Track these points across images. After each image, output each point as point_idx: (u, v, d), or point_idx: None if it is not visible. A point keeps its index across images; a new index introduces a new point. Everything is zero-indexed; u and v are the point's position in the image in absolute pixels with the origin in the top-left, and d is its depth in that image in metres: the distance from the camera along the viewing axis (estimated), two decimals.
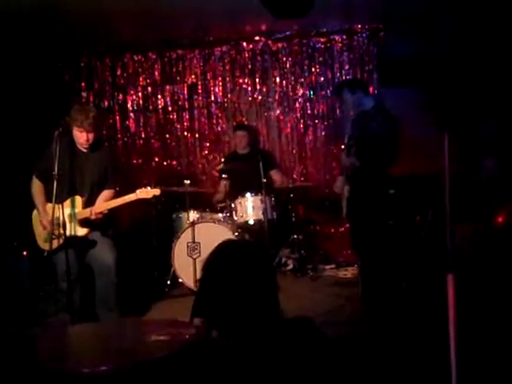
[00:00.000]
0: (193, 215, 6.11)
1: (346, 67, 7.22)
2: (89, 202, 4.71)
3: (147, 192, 4.76)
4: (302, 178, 7.33)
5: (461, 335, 2.62)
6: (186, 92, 7.52)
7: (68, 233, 4.44)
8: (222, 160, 6.93)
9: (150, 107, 7.57)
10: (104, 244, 4.76)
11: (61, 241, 4.50)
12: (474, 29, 6.18)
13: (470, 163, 5.44)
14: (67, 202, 4.60)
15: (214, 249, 2.08)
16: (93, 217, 4.64)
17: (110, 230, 4.91)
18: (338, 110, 7.24)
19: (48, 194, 4.67)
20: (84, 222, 4.68)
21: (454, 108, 5.47)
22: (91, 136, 4.66)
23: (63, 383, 2.42)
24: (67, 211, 4.54)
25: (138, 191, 4.74)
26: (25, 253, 5.89)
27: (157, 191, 4.80)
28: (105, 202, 4.74)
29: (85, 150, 4.75)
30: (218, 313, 1.96)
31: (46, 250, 4.60)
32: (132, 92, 7.57)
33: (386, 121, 5.01)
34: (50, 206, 4.60)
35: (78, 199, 4.67)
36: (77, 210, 4.66)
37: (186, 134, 7.56)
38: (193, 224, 5.86)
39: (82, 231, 4.69)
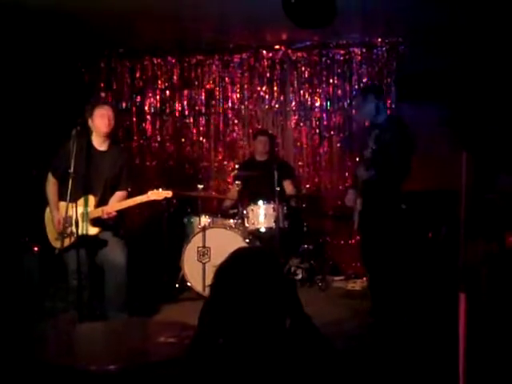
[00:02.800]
0: (204, 220, 6.10)
1: (365, 80, 7.22)
2: (101, 202, 4.73)
3: (159, 194, 4.77)
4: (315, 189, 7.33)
5: (470, 354, 2.61)
6: (203, 97, 7.54)
7: (80, 231, 4.47)
8: (237, 166, 6.94)
9: (167, 111, 7.60)
10: (115, 244, 4.78)
11: (72, 239, 4.54)
12: (494, 44, 6.18)
13: (485, 180, 5.41)
14: (80, 201, 4.62)
15: (228, 256, 2.08)
16: (104, 216, 4.66)
17: (122, 231, 4.93)
18: (353, 123, 7.25)
19: (61, 192, 4.71)
20: (95, 222, 4.71)
21: (473, 126, 5.46)
22: (112, 121, 4.71)
23: (71, 380, 2.44)
24: (80, 210, 4.57)
25: (149, 193, 4.76)
26: (35, 249, 5.91)
27: (168, 193, 4.81)
28: (117, 202, 4.77)
29: (101, 149, 4.79)
30: (226, 320, 1.96)
31: (56, 248, 4.63)
32: (150, 95, 7.60)
33: (400, 134, 4.96)
34: (62, 204, 4.65)
35: (91, 198, 4.70)
36: (89, 209, 4.68)
37: (201, 138, 7.58)
38: (204, 229, 5.87)
39: (93, 230, 4.71)
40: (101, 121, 4.69)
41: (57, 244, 4.63)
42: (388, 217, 4.98)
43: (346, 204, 5.40)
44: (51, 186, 4.83)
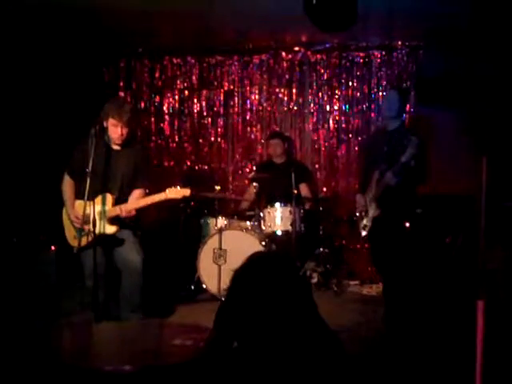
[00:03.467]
0: (221, 222, 6.09)
1: (384, 83, 7.19)
2: (119, 200, 4.72)
3: (177, 192, 4.72)
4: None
5: (487, 361, 2.58)
6: (222, 98, 7.56)
7: (97, 230, 4.47)
8: (254, 168, 6.93)
9: (186, 111, 7.61)
10: (132, 244, 4.78)
11: (90, 238, 4.54)
12: None
13: (504, 187, 5.37)
14: (98, 200, 4.60)
15: (244, 260, 2.08)
16: (123, 215, 4.65)
17: (139, 231, 4.93)
18: (372, 126, 7.22)
19: (78, 190, 4.72)
20: (113, 220, 4.70)
21: (492, 131, 5.42)
22: (125, 131, 4.68)
23: (86, 380, 2.44)
24: (98, 208, 4.55)
25: (167, 190, 4.69)
26: (53, 248, 5.94)
27: (187, 191, 4.74)
28: (136, 200, 4.76)
29: (117, 148, 4.78)
30: (242, 324, 1.96)
31: (74, 248, 4.64)
32: (169, 95, 7.62)
33: (417, 140, 4.91)
34: (78, 202, 4.67)
35: (109, 197, 4.69)
36: (107, 208, 4.68)
37: (219, 139, 7.58)
38: (220, 231, 5.86)
39: (110, 229, 4.70)
40: (113, 130, 4.66)
41: (75, 243, 4.64)
42: (409, 222, 4.93)
43: (358, 211, 5.31)
44: (67, 185, 4.84)
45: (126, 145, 4.81)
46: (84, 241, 4.54)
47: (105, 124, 4.70)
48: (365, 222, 5.12)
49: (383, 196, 4.93)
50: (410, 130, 5.09)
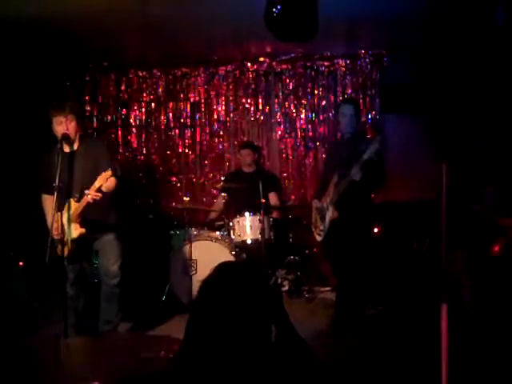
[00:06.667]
0: (190, 232, 6.11)
1: (349, 91, 7.27)
2: (81, 199, 4.62)
3: (102, 178, 4.45)
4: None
5: (453, 363, 2.63)
6: (188, 109, 7.57)
7: (66, 237, 4.49)
8: (223, 178, 6.95)
9: (153, 123, 7.62)
10: (112, 252, 4.85)
11: (69, 246, 4.58)
12: (478, 59, 6.25)
13: (469, 192, 5.46)
14: (65, 207, 4.56)
15: (211, 270, 2.08)
16: (90, 199, 4.47)
17: (116, 231, 4.92)
18: (338, 134, 7.28)
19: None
20: (78, 223, 4.65)
21: (453, 137, 5.52)
22: (71, 126, 4.62)
23: None
24: (65, 216, 4.53)
25: (96, 181, 4.46)
26: (20, 263, 5.89)
27: (108, 173, 4.46)
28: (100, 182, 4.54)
29: (74, 148, 4.71)
30: (212, 334, 1.97)
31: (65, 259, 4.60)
32: (135, 107, 7.62)
33: (380, 136, 4.98)
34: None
35: (71, 201, 4.62)
36: (71, 212, 4.60)
37: (187, 151, 7.59)
38: (190, 241, 5.87)
39: (76, 232, 4.65)
40: (59, 128, 4.60)
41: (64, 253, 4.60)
42: (369, 224, 5.01)
43: (313, 215, 5.37)
44: (47, 201, 4.79)
45: (79, 144, 4.75)
46: (66, 250, 4.54)
47: (52, 128, 4.65)
48: (321, 227, 5.17)
49: (341, 198, 4.98)
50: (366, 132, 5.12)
